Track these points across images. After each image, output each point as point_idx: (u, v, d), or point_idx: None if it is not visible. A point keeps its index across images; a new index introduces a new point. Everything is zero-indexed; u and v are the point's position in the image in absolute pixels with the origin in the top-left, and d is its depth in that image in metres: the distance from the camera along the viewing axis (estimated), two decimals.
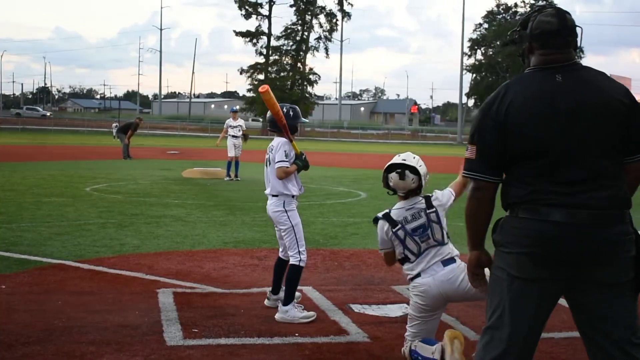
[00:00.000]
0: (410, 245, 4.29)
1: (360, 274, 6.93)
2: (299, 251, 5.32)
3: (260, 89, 5.40)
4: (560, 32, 2.76)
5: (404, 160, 4.41)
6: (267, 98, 5.31)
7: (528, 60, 2.86)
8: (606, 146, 2.70)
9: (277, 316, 5.22)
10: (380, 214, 4.43)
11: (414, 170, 4.36)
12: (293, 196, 5.40)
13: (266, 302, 5.59)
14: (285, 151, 5.33)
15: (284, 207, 5.36)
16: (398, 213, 4.36)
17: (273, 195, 5.41)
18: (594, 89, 2.72)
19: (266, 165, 5.50)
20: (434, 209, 4.39)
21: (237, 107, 20.40)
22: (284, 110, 5.48)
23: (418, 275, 4.27)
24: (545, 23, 2.77)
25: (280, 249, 5.63)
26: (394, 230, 4.30)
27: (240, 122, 17.97)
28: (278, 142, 5.42)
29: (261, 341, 4.70)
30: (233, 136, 17.58)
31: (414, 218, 4.33)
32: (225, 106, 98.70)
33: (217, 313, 5.31)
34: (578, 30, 2.81)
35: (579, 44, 2.83)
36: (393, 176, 4.36)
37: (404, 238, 4.29)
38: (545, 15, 2.78)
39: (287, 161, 5.31)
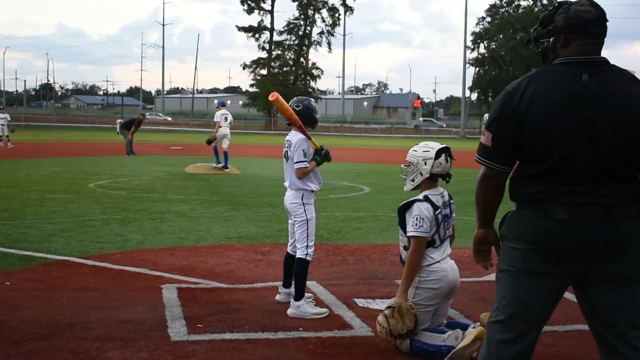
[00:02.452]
0: (441, 230, 4.39)
1: (364, 268, 6.93)
2: (307, 245, 5.31)
3: (270, 97, 5.32)
4: (599, 20, 2.75)
5: (442, 145, 4.49)
6: (278, 105, 5.30)
7: (553, 56, 2.81)
8: (621, 153, 2.66)
9: (289, 311, 5.20)
10: (419, 196, 4.43)
11: (450, 152, 4.48)
12: (312, 191, 5.40)
13: (277, 297, 5.56)
14: (303, 150, 5.31)
15: (302, 200, 5.34)
16: (436, 198, 4.42)
17: (292, 189, 5.41)
18: (618, 95, 2.66)
19: (285, 159, 5.48)
20: (452, 201, 4.54)
21: (224, 101, 20.24)
22: (305, 102, 5.50)
23: (436, 262, 4.36)
24: (584, 12, 2.75)
25: (290, 243, 5.60)
26: (435, 212, 4.35)
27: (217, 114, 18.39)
28: (296, 139, 5.35)
29: (265, 336, 4.70)
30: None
31: (444, 206, 4.43)
32: (229, 101, 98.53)
33: (221, 308, 5.31)
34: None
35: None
36: (442, 160, 4.40)
37: (440, 221, 4.37)
38: (581, 6, 2.77)
39: (305, 161, 5.29)
